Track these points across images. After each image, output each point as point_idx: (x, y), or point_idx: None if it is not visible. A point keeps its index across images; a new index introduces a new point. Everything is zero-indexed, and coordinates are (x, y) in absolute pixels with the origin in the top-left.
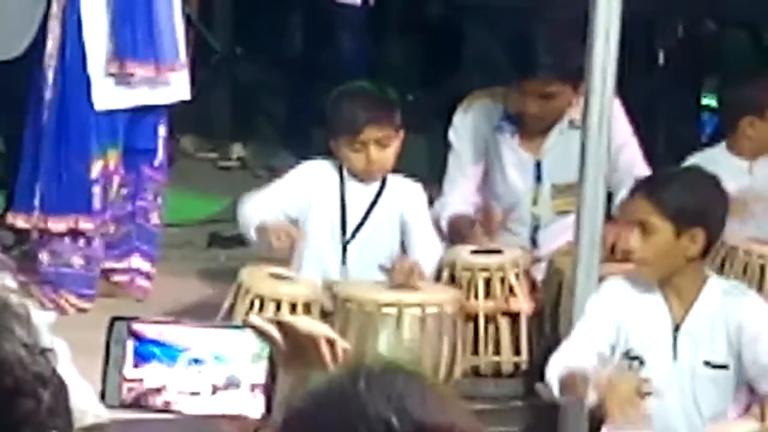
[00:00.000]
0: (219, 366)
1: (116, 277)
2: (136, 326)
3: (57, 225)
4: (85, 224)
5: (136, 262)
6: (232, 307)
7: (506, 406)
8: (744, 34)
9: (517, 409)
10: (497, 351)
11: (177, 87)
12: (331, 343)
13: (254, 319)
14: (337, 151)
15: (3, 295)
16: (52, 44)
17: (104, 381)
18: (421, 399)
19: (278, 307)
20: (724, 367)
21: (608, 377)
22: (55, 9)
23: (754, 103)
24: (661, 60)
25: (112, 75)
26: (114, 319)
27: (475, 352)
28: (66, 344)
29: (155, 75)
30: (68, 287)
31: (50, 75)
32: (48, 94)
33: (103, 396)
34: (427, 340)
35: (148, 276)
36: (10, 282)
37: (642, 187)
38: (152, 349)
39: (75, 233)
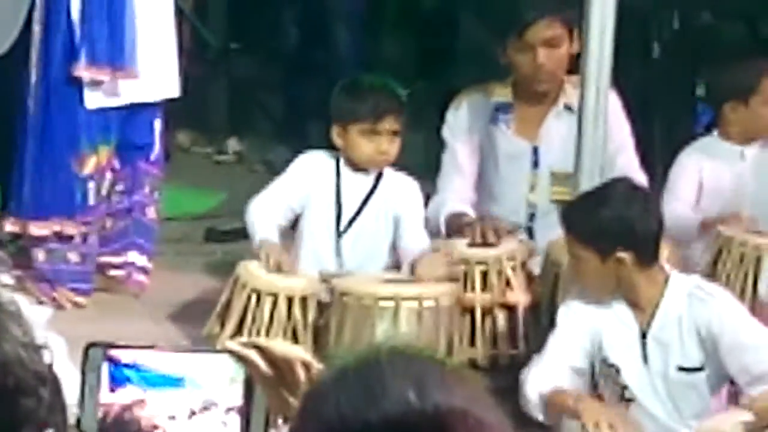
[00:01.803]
0: (195, 389)
1: (113, 272)
2: (112, 351)
3: (39, 230)
4: (69, 229)
5: (133, 256)
6: (229, 301)
7: (503, 398)
8: (740, 26)
9: (513, 402)
10: (494, 343)
11: (167, 83)
12: (306, 366)
13: (231, 344)
14: (342, 137)
15: None
16: (36, 43)
17: (80, 408)
18: (440, 380)
19: (275, 301)
20: (698, 369)
21: (596, 410)
22: (38, 8)
23: (736, 89)
24: (656, 52)
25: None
26: (89, 346)
27: (472, 344)
28: (62, 339)
29: (111, 79)
30: (65, 283)
31: (35, 74)
32: (35, 93)
33: (78, 424)
34: (424, 332)
35: (144, 271)
36: (6, 278)
37: (561, 219)
38: (127, 374)
39: (68, 234)
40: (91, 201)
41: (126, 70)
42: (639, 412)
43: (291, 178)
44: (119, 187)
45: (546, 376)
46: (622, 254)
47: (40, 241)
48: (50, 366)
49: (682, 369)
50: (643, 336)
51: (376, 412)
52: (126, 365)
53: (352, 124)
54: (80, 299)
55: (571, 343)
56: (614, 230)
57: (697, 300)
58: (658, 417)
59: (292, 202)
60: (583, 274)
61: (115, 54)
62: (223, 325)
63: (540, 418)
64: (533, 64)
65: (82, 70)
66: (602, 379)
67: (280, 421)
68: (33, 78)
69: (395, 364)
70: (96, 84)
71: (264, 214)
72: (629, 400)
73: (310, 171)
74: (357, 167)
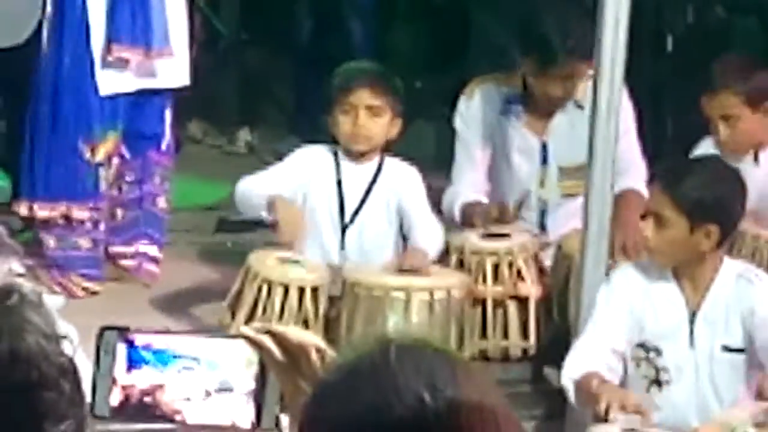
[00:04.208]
0: (211, 371)
1: (124, 262)
2: (127, 334)
3: (44, 212)
4: (76, 213)
5: (144, 246)
6: (240, 291)
7: (514, 390)
8: (753, 21)
9: (525, 394)
10: (505, 335)
11: (177, 72)
12: (320, 352)
13: (245, 329)
14: (332, 122)
15: (17, 284)
16: (51, 29)
17: (93, 391)
18: (451, 374)
19: (286, 292)
20: (741, 350)
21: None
22: None
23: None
24: (669, 46)
25: (103, 60)
26: (103, 329)
27: (484, 336)
28: (75, 329)
29: (143, 60)
30: (76, 270)
31: (51, 60)
32: (49, 79)
33: (92, 407)
34: (435, 324)
35: (155, 261)
36: (17, 267)
37: (660, 178)
38: (144, 355)
39: (78, 219)
40: (102, 188)
41: (160, 49)
42: (669, 399)
43: (287, 169)
44: (130, 178)
45: (581, 360)
46: (713, 228)
47: (50, 226)
48: (71, 357)
49: (726, 348)
50: (692, 317)
51: (390, 414)
52: (143, 347)
53: (334, 106)
54: (91, 285)
55: (611, 325)
56: (716, 204)
57: (746, 281)
58: (691, 403)
59: (284, 191)
60: (663, 237)
61: (149, 34)
62: (234, 315)
63: (573, 401)
64: (544, 89)
65: (117, 52)
66: (634, 362)
67: (276, 410)
68: (45, 62)
69: (405, 361)
70: (113, 68)
71: (259, 184)
72: (662, 384)
73: (307, 165)
74: (355, 157)
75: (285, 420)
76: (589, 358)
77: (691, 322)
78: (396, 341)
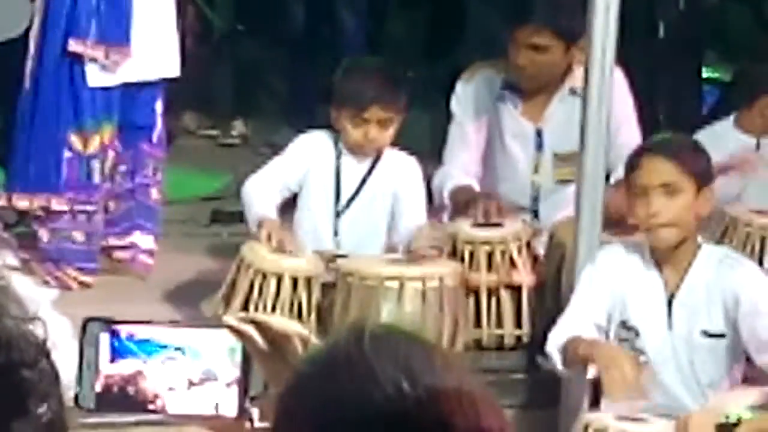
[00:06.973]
0: (195, 361)
1: (118, 255)
2: (111, 325)
3: (22, 202)
4: (56, 204)
5: (138, 238)
6: (233, 282)
7: (508, 378)
8: (745, 7)
9: (519, 382)
10: (499, 324)
11: (167, 63)
12: (304, 341)
13: (228, 319)
14: (337, 121)
15: None
16: (38, 20)
17: (78, 383)
18: (427, 361)
19: (280, 282)
20: (721, 336)
21: (609, 354)
22: None
23: None
24: (661, 32)
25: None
26: (87, 320)
27: (478, 325)
28: (68, 321)
29: (103, 57)
30: (70, 262)
31: (40, 52)
32: (38, 71)
33: (76, 399)
34: (428, 313)
35: (150, 253)
36: (11, 260)
37: (661, 149)
38: (128, 345)
39: (73, 211)
40: (96, 180)
41: (119, 48)
42: (650, 380)
43: (289, 157)
44: (122, 169)
45: (566, 329)
46: (709, 191)
47: (46, 220)
48: (44, 338)
49: (706, 334)
50: (670, 301)
51: (370, 404)
52: (126, 337)
53: (342, 109)
54: (86, 278)
55: (594, 300)
56: (711, 168)
57: (727, 266)
58: (670, 384)
59: (289, 180)
60: (677, 205)
61: (109, 31)
62: (228, 306)
63: (559, 368)
64: (513, 59)
65: (76, 46)
66: (617, 340)
67: (248, 402)
68: (31, 52)
69: (380, 350)
70: (95, 61)
71: (260, 192)
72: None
73: (310, 150)
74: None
75: (255, 413)
76: (572, 328)
77: (669, 305)
78: (368, 330)
